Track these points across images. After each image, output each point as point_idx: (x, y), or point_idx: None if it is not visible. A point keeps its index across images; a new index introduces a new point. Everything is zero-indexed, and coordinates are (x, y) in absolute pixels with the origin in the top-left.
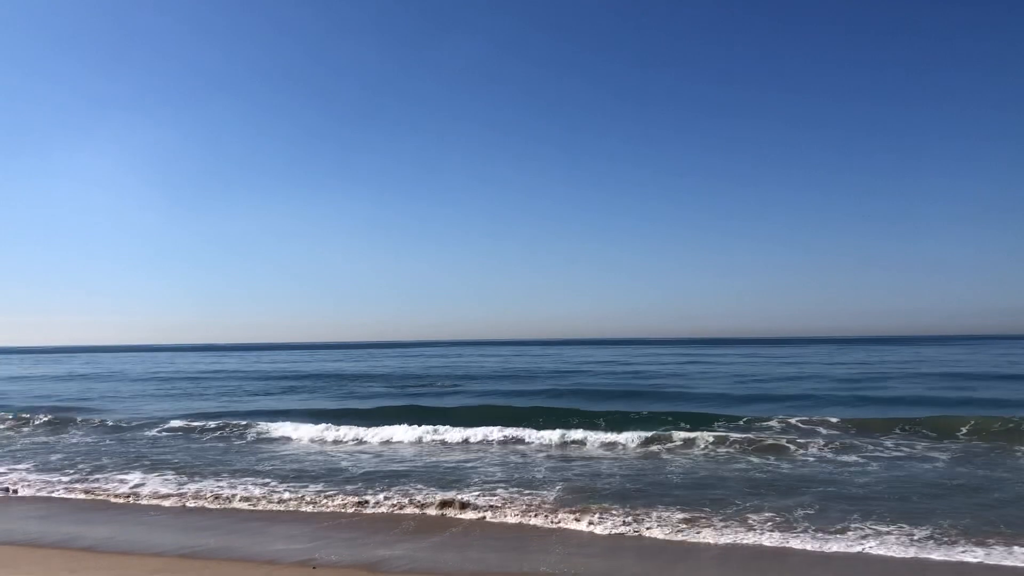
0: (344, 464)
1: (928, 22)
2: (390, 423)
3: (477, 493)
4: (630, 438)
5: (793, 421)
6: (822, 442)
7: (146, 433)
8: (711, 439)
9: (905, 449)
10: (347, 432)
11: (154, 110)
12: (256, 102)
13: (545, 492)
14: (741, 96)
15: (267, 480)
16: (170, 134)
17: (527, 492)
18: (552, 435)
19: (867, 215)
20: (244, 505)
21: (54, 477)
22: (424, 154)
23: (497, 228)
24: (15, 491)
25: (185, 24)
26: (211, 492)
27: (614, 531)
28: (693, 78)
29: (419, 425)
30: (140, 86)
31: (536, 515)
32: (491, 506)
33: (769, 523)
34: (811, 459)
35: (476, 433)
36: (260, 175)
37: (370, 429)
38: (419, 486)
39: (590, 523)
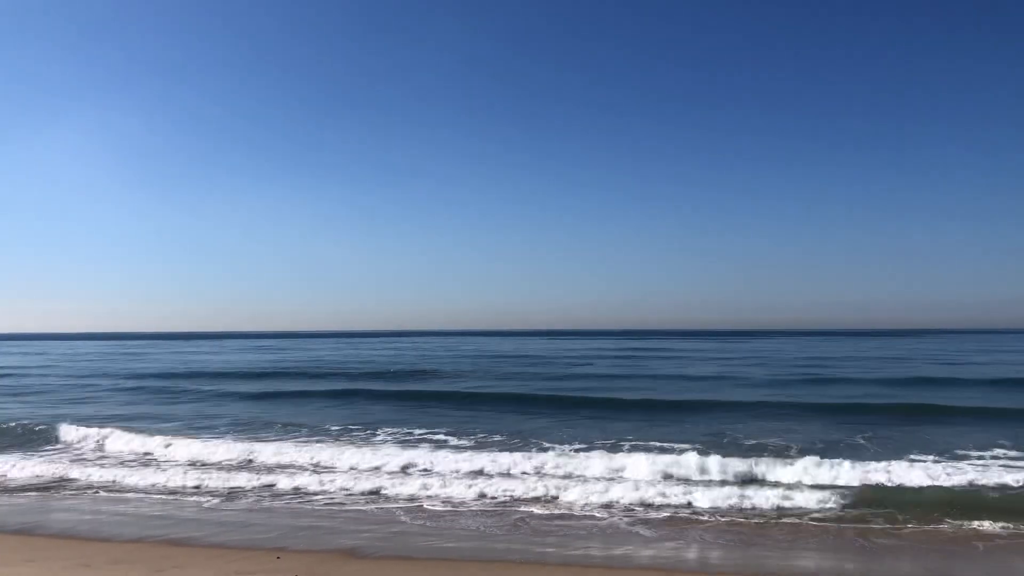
0: None
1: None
2: None
3: None
4: None
5: None
6: None
7: None
8: None
9: None
10: None
11: (131, 99)
12: (239, 91)
13: None
14: (732, 88)
15: None
16: (145, 122)
17: None
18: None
19: (859, 206)
20: None
21: None
22: (407, 147)
23: (473, 220)
24: None
25: (160, 13)
26: None
27: None
28: (685, 71)
29: None
30: (115, 75)
31: None
32: None
33: None
34: None
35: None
36: (240, 164)
37: None
38: None
39: None
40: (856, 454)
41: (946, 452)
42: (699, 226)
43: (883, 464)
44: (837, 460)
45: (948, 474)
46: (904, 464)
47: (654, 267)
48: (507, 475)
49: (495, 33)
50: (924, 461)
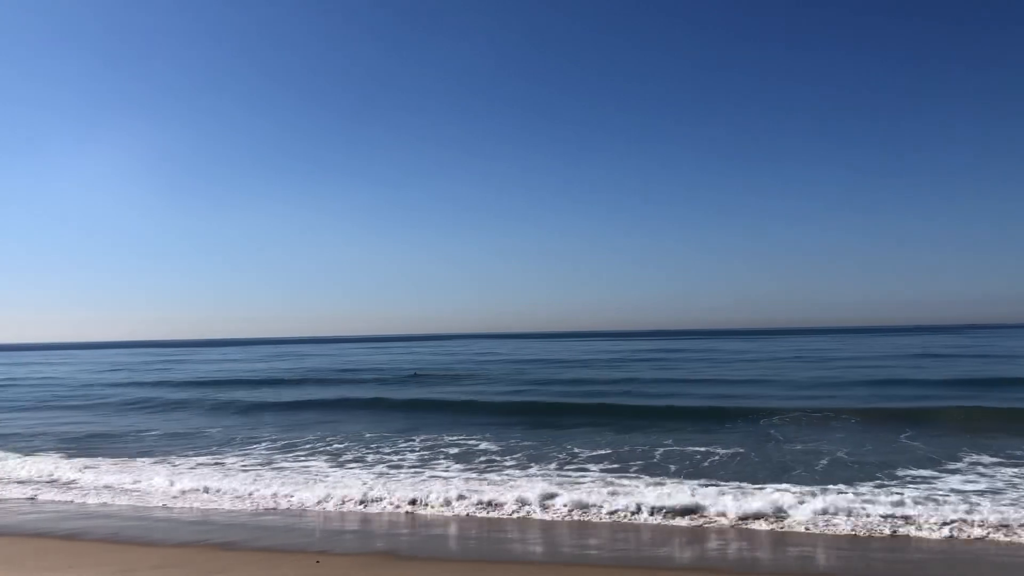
0: None
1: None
2: None
3: None
4: None
5: None
6: None
7: None
8: None
9: None
10: None
11: (150, 110)
12: (255, 102)
13: None
14: (730, 102)
15: None
16: (165, 134)
17: None
18: None
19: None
20: None
21: None
22: (416, 154)
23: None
24: None
25: (182, 25)
26: None
27: None
28: (686, 83)
29: None
30: (137, 86)
31: None
32: None
33: None
34: None
35: None
36: (256, 173)
37: None
38: None
39: None
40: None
41: None
42: (725, 225)
43: None
44: None
45: None
46: None
47: (686, 267)
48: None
49: (507, 45)
50: None
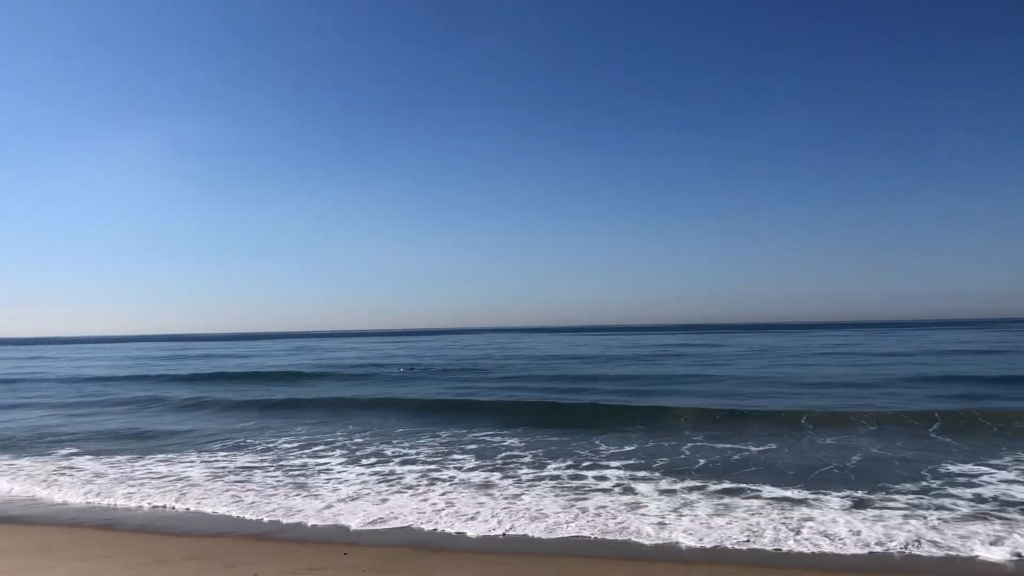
0: None
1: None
2: None
3: None
4: None
5: None
6: None
7: None
8: None
9: None
10: None
11: (174, 107)
12: (277, 98)
13: None
14: (739, 93)
15: None
16: (187, 130)
17: None
18: None
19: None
20: None
21: None
22: (437, 148)
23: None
24: None
25: (211, 22)
26: None
27: None
28: (696, 74)
29: None
30: (160, 85)
31: None
32: None
33: None
34: None
35: None
36: (284, 170)
37: None
38: None
39: None
40: None
41: None
42: (757, 218)
43: None
44: None
45: None
46: None
47: (718, 261)
48: None
49: (523, 38)
50: None
